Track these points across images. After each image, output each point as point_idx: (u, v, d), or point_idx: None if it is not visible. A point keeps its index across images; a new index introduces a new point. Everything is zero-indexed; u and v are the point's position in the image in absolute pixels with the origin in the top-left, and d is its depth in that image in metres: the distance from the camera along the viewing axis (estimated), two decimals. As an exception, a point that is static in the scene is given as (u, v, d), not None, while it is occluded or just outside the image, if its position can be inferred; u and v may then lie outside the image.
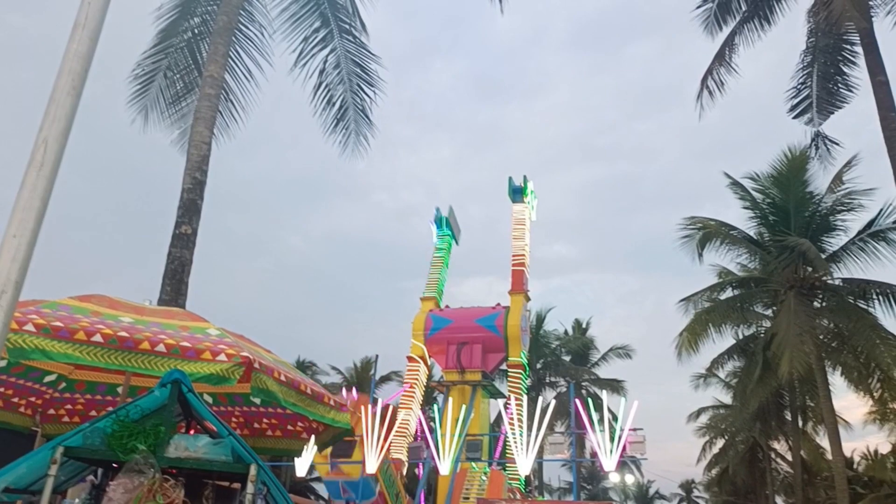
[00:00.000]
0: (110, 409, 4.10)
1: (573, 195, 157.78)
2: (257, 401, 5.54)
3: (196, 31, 13.64)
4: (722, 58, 17.53)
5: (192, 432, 4.12)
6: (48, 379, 5.63)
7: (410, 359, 18.30)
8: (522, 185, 19.61)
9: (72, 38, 3.67)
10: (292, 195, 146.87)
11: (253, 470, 3.34)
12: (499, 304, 18.60)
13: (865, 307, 19.89)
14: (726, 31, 17.56)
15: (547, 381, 38.99)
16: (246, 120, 14.00)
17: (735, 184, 21.81)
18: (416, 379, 18.23)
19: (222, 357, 4.00)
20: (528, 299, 18.83)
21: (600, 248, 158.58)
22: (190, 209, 10.10)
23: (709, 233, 21.76)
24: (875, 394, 20.94)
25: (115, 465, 3.45)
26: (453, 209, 20.94)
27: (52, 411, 5.94)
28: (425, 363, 18.52)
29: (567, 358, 40.21)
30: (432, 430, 15.31)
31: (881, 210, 19.37)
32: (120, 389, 5.25)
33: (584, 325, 42.23)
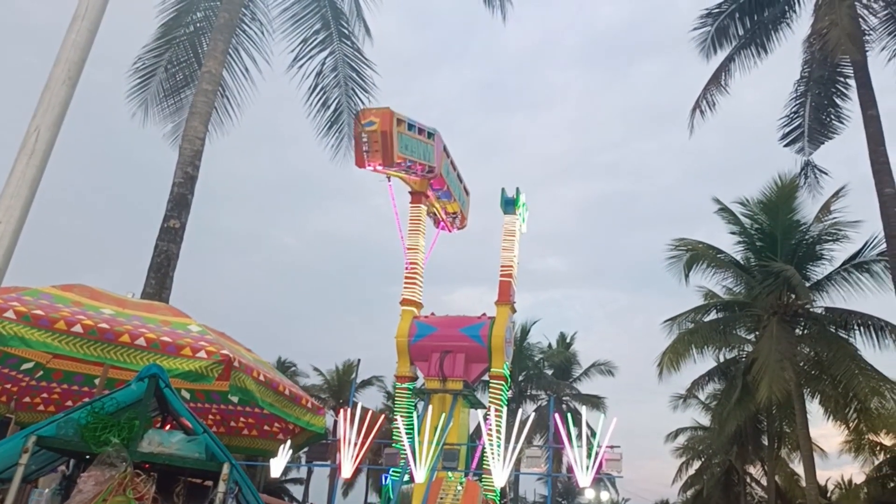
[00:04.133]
0: (86, 399, 4.07)
1: (571, 210, 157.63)
2: (235, 399, 5.53)
3: (198, 25, 13.63)
4: (717, 81, 17.71)
5: (167, 427, 4.11)
6: (25, 366, 5.59)
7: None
8: (514, 196, 19.69)
9: (71, 29, 3.67)
10: (290, 194, 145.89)
11: (226, 469, 3.33)
12: (484, 315, 18.60)
13: (846, 337, 20.08)
14: (721, 55, 17.77)
15: (528, 393, 39.04)
16: (241, 117, 13.98)
17: (724, 209, 22.04)
18: None
19: (202, 354, 4.00)
20: (514, 311, 18.83)
21: (593, 264, 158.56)
22: (179, 203, 10.06)
23: (696, 255, 21.93)
24: (851, 423, 21.06)
25: (87, 456, 3.44)
26: None
27: (27, 399, 5.90)
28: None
29: (549, 371, 40.27)
30: (410, 437, 15.27)
31: (867, 242, 19.62)
32: (97, 381, 5.23)
33: (568, 340, 42.32)
